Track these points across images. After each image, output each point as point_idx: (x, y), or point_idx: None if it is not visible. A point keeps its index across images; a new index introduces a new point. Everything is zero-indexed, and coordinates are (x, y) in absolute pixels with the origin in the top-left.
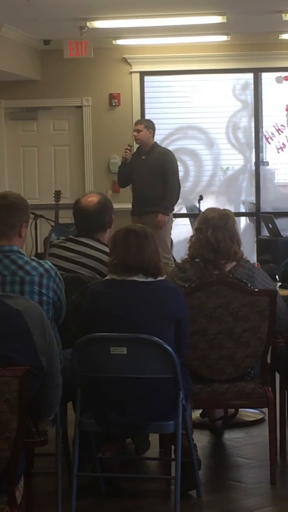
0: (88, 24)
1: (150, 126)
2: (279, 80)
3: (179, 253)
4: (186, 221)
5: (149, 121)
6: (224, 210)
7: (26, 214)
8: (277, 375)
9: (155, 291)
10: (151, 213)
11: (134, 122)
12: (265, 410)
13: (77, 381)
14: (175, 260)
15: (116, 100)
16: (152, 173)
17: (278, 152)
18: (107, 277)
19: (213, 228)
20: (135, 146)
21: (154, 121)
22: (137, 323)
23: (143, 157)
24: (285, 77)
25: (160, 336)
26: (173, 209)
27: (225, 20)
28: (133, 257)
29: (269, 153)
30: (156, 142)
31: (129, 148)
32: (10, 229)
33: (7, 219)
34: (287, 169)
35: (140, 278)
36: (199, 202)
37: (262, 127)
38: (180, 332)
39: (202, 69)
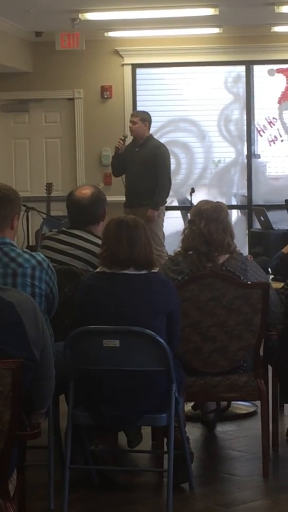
0: (80, 16)
1: (145, 118)
2: (271, 72)
3: (171, 245)
4: (177, 213)
5: (145, 113)
6: (218, 202)
7: (18, 205)
8: (270, 368)
9: (147, 283)
10: (142, 207)
11: (126, 114)
12: (258, 403)
13: (70, 374)
14: (167, 253)
15: (108, 93)
16: (144, 166)
17: (270, 145)
18: (98, 269)
19: (206, 220)
20: (130, 137)
21: (149, 113)
22: (128, 316)
23: (137, 149)
24: (277, 69)
25: (152, 328)
26: (164, 203)
27: (217, 12)
28: (123, 251)
29: (261, 145)
30: (151, 135)
31: (122, 138)
32: (2, 221)
33: (0, 210)
34: (279, 162)
35: (131, 271)
36: (190, 195)
37: (254, 120)
38: (171, 325)
39: (194, 61)
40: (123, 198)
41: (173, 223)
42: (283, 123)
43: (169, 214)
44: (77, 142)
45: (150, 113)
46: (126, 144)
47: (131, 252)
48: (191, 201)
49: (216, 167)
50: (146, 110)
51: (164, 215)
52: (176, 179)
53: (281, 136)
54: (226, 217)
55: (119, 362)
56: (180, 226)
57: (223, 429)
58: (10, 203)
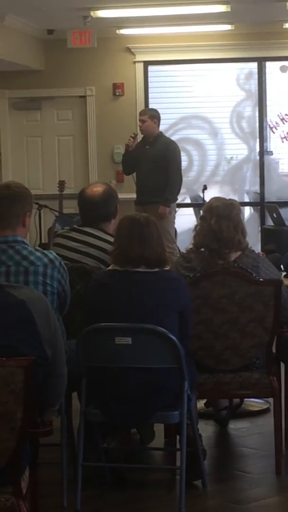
0: (91, 13)
1: (154, 116)
2: (283, 69)
3: (183, 243)
4: (190, 210)
5: (153, 110)
6: (230, 199)
7: (29, 203)
8: (282, 365)
9: (159, 281)
10: (153, 204)
11: (138, 111)
12: (270, 400)
13: (82, 372)
14: (179, 250)
15: (120, 90)
16: (155, 164)
17: (283, 142)
18: (110, 268)
19: (217, 217)
20: (140, 135)
21: (158, 110)
22: (141, 314)
23: (147, 146)
24: None
25: (164, 326)
26: (175, 200)
27: (229, 9)
28: (134, 250)
29: (273, 142)
30: (161, 132)
31: (133, 136)
32: (14, 219)
33: (11, 208)
34: None
35: (143, 269)
36: (203, 192)
37: (266, 117)
38: (183, 322)
39: (206, 58)
40: (135, 196)
41: (185, 220)
42: None
43: (181, 211)
44: (89, 139)
45: (161, 110)
46: (137, 141)
47: (143, 250)
48: (203, 198)
49: (228, 164)
50: (158, 107)
51: (175, 212)
52: (189, 176)
53: None
54: (238, 215)
55: (131, 360)
56: (192, 223)
57: (236, 426)
58: (22, 201)
